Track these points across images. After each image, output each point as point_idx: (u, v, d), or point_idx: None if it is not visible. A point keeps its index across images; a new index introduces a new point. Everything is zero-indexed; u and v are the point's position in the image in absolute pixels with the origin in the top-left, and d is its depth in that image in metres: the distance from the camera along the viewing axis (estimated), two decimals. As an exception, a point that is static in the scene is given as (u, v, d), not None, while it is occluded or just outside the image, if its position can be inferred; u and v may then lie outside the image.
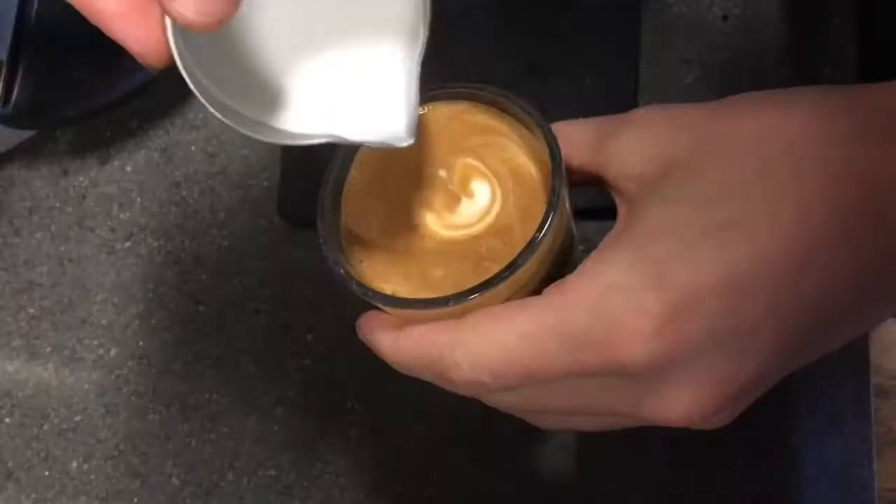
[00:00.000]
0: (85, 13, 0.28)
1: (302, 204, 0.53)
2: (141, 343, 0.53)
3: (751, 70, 0.50)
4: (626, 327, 0.28)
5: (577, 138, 0.33)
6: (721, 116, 0.30)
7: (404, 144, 0.31)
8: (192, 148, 0.55)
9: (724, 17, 0.50)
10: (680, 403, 0.29)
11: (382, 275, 0.34)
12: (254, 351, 0.52)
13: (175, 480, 0.52)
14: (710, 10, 0.50)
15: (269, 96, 0.31)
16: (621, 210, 0.32)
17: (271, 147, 0.54)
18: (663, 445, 0.47)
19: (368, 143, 0.32)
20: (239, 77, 0.31)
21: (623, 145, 0.32)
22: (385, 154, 0.35)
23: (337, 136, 0.31)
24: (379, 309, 0.34)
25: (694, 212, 0.29)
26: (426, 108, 0.35)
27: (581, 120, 0.34)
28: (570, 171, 0.33)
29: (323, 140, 0.31)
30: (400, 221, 0.34)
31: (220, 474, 0.51)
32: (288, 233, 0.53)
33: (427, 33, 0.31)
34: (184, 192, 0.54)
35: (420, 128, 0.33)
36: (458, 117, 0.35)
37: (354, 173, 0.35)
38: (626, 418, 0.32)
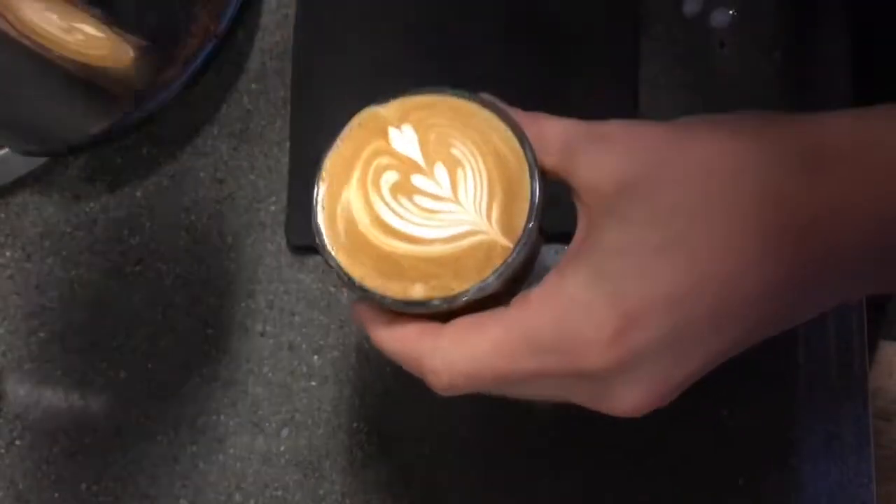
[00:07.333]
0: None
1: (308, 229, 0.54)
2: (150, 366, 0.54)
3: (747, 97, 0.51)
4: (584, 339, 0.32)
5: (551, 137, 0.36)
6: (675, 141, 0.34)
7: None
8: (201, 174, 0.56)
9: (722, 45, 0.51)
10: (629, 400, 0.33)
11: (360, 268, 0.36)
12: (261, 373, 0.53)
13: (183, 501, 0.52)
14: (707, 37, 0.51)
15: None
16: (582, 220, 0.35)
17: (278, 173, 0.55)
18: (664, 465, 0.48)
19: None
20: None
21: (588, 159, 0.34)
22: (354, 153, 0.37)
23: None
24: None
25: (645, 231, 0.32)
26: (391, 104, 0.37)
27: (557, 119, 0.36)
28: (542, 168, 0.36)
29: None
30: (377, 220, 0.36)
31: (228, 496, 0.52)
32: (294, 257, 0.53)
33: None
34: (193, 217, 0.55)
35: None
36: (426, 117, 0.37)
37: (327, 172, 0.37)
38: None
